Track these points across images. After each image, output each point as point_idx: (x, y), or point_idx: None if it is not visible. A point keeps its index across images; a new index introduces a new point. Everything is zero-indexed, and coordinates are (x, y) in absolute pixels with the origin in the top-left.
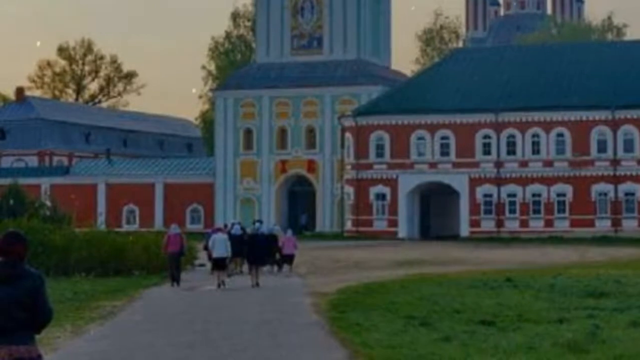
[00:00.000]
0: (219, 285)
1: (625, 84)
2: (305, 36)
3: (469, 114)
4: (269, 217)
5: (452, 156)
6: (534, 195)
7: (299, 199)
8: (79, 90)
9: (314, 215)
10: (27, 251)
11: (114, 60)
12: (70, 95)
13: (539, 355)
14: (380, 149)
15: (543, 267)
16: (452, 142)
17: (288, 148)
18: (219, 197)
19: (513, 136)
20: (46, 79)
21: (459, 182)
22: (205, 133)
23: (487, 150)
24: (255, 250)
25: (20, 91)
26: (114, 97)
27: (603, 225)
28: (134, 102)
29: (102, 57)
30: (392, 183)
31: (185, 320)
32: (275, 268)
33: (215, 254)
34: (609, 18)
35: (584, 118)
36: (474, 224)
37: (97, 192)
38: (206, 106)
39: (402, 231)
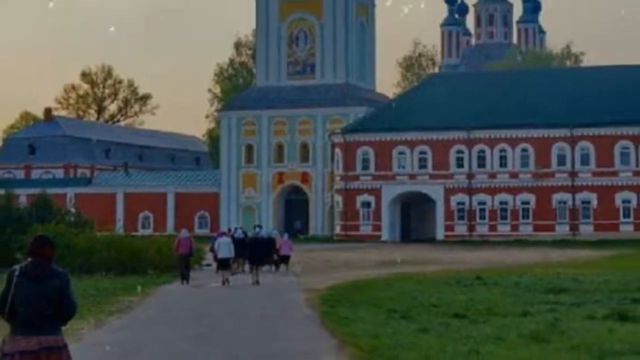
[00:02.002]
0: (223, 283)
1: (582, 105)
2: (300, 63)
3: (444, 132)
4: (268, 223)
5: (429, 169)
6: (501, 203)
7: (294, 207)
8: (100, 110)
9: (307, 220)
10: (54, 253)
11: (131, 84)
12: (92, 115)
13: (506, 344)
14: (365, 162)
15: (509, 267)
16: (429, 156)
17: (284, 162)
18: (223, 205)
19: (483, 151)
20: (71, 101)
21: (435, 191)
22: (211, 148)
23: (460, 163)
24: (256, 252)
25: (48, 111)
26: (131, 116)
27: (562, 230)
28: (149, 121)
29: (120, 81)
30: (376, 192)
31: (193, 314)
32: (273, 268)
33: (220, 255)
34: (568, 47)
35: (546, 135)
36: (449, 228)
37: (116, 200)
38: (212, 125)
39: (385, 235)
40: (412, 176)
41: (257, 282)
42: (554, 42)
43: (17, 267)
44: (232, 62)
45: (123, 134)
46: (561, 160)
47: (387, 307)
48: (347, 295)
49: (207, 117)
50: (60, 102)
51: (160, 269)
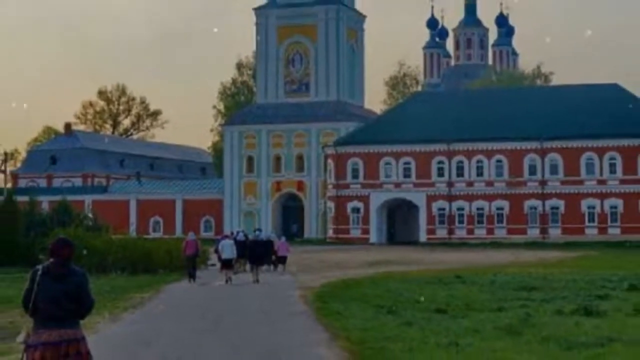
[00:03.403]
0: (226, 281)
1: (551, 121)
2: (296, 82)
3: (426, 144)
4: (267, 227)
5: (413, 178)
6: (478, 209)
7: (291, 212)
8: (115, 125)
9: (302, 224)
10: (73, 254)
11: (143, 101)
12: (108, 129)
13: (482, 336)
14: (355, 172)
15: (486, 267)
16: (413, 166)
17: (282, 171)
18: (226, 211)
19: (462, 162)
20: (89, 116)
21: (418, 198)
22: (215, 159)
23: (440, 173)
24: (256, 253)
25: (68, 126)
26: (143, 130)
27: (533, 233)
28: (159, 135)
29: (133, 99)
30: (365, 199)
31: (200, 309)
32: (272, 267)
33: (223, 256)
34: (538, 67)
35: (518, 147)
36: (431, 232)
37: (130, 206)
38: (217, 138)
39: (372, 238)
40: (397, 184)
41: (257, 281)
42: (526, 63)
43: (39, 267)
44: (234, 81)
45: (136, 146)
46: (532, 170)
47: (375, 303)
48: (338, 292)
49: (211, 131)
50: (78, 118)
51: (169, 269)
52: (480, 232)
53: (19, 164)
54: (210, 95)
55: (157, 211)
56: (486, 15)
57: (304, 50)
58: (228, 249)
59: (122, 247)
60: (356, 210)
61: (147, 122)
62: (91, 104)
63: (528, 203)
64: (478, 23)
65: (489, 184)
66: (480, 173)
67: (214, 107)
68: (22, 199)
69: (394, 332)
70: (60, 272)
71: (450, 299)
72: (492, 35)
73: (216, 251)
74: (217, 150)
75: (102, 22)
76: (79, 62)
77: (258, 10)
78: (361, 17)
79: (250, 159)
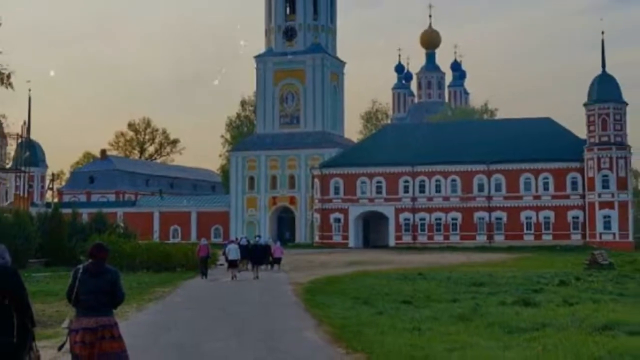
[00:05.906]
0: (232, 278)
1: (496, 148)
2: (289, 116)
3: (395, 167)
4: (265, 233)
5: (384, 194)
6: (436, 219)
7: (284, 222)
8: (142, 151)
9: (294, 232)
10: (108, 256)
11: (164, 132)
12: (136, 155)
13: (440, 322)
14: (337, 189)
15: (443, 266)
16: (384, 185)
17: (277, 189)
18: (232, 221)
19: (423, 181)
20: (120, 144)
21: (388, 210)
22: (223, 179)
23: (406, 190)
24: (256, 255)
25: (103, 152)
26: (165, 155)
27: (481, 239)
28: (177, 159)
29: (157, 130)
30: (345, 211)
31: (211, 301)
32: (269, 267)
33: (230, 258)
34: (486, 104)
35: (469, 169)
36: (398, 237)
37: (153, 217)
38: (224, 161)
39: (351, 242)
40: (371, 199)
41: (257, 277)
42: (476, 100)
43: (80, 266)
44: (238, 115)
45: (158, 169)
46: (480, 187)
47: (353, 295)
48: (323, 287)
49: (220, 156)
50: (112, 145)
51: (186, 268)
52: (439, 238)
53: (63, 183)
54: (219, 127)
55: (175, 221)
56: (443, 62)
57: (295, 90)
58: (233, 252)
59: (147, 250)
60: (338, 220)
61: (168, 149)
62: (122, 134)
63: (477, 214)
64: (437, 68)
65: (446, 199)
66: (438, 190)
67: (222, 136)
68: (66, 211)
69: (369, 319)
70: (97, 270)
71: (414, 292)
72: (448, 78)
73: (224, 253)
74: (225, 172)
75: (131, 67)
76: (112, 100)
77: (258, 57)
78: (342, 63)
79: (251, 179)
